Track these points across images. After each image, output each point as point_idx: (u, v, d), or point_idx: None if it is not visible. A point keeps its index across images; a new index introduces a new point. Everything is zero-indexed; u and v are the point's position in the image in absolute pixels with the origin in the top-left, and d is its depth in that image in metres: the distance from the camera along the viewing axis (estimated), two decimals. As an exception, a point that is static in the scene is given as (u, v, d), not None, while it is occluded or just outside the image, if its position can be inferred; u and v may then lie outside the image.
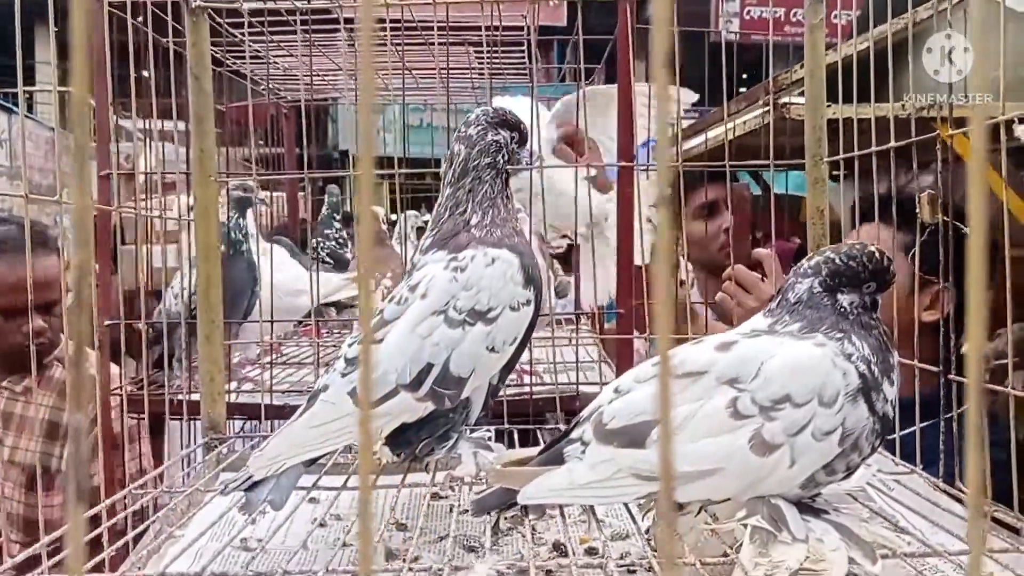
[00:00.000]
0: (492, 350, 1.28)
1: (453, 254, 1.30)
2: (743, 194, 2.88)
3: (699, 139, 2.83)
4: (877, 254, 1.10)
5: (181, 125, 1.67)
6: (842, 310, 1.07)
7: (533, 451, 1.21)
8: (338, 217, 3.44)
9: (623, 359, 1.72)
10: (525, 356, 1.51)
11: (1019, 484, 1.16)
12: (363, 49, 0.32)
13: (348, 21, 1.79)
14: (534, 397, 1.77)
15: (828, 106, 1.68)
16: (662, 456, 0.29)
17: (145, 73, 1.81)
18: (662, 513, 0.34)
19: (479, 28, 1.93)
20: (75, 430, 0.30)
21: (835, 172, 2.00)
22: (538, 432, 1.68)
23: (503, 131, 1.37)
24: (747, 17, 10.37)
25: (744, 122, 2.38)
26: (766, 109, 2.14)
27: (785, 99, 2.07)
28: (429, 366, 1.26)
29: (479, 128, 1.37)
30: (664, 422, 0.31)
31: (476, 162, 1.35)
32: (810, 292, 1.09)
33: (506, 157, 1.37)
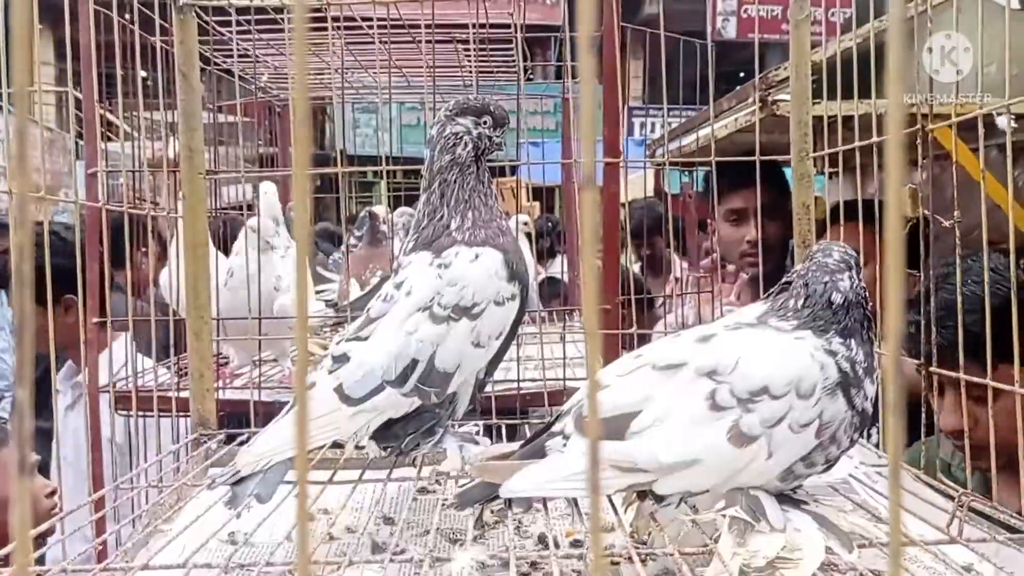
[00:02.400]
0: (477, 345, 1.28)
1: (437, 252, 1.30)
2: (689, 193, 2.92)
3: (686, 139, 2.85)
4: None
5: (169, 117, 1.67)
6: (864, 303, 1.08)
7: (517, 446, 1.22)
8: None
9: (609, 354, 1.72)
10: (513, 352, 1.52)
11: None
12: (297, 45, 0.33)
13: (337, 20, 1.79)
14: (522, 392, 1.78)
15: (816, 102, 1.69)
16: (591, 423, 0.30)
17: (143, 73, 1.82)
18: (591, 485, 0.34)
19: (467, 26, 1.93)
20: (20, 405, 0.31)
21: (831, 169, 2.01)
22: (526, 427, 1.69)
23: (463, 119, 1.32)
24: (744, 16, 10.37)
25: (736, 119, 2.39)
26: (757, 106, 2.15)
27: (776, 96, 2.08)
28: (414, 362, 1.26)
29: (439, 126, 1.32)
30: (592, 398, 0.32)
31: (438, 163, 1.31)
32: (852, 286, 1.08)
33: (469, 146, 1.31)
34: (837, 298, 1.08)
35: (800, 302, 1.09)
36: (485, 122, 1.32)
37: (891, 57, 0.28)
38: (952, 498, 1.16)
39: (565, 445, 1.08)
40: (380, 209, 3.35)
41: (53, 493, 1.93)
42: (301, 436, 0.33)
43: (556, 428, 1.11)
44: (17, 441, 0.30)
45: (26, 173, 0.30)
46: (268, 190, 2.43)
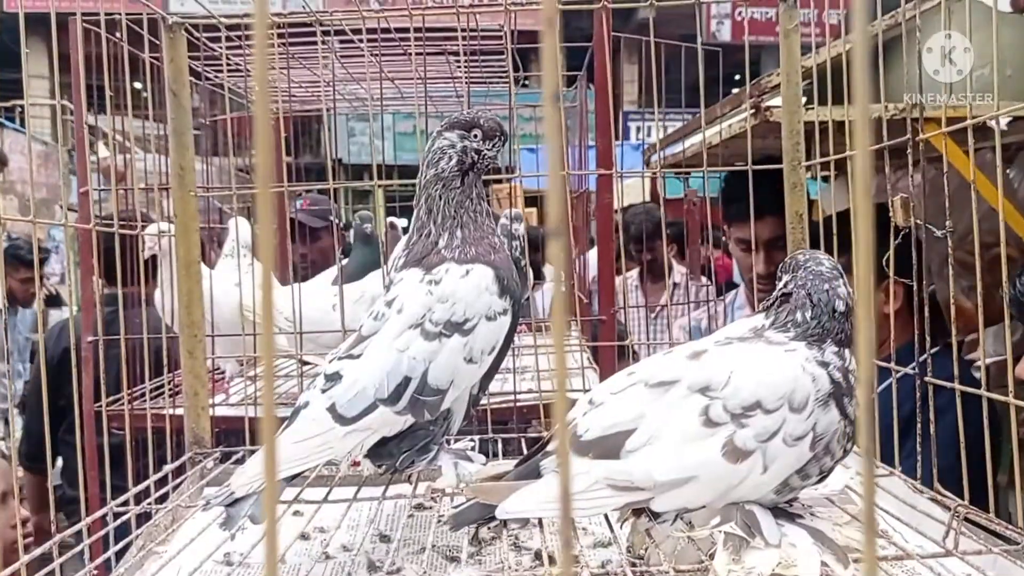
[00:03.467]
0: (470, 361, 1.27)
1: (427, 269, 1.30)
2: (693, 201, 2.92)
3: (686, 142, 2.85)
4: None
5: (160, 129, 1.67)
6: None
7: (511, 465, 1.21)
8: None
9: (606, 365, 1.72)
10: (508, 362, 1.51)
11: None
12: (258, 58, 0.32)
13: (327, 34, 1.79)
14: (519, 404, 1.77)
15: (810, 108, 1.68)
16: (560, 448, 0.30)
17: (137, 85, 1.81)
18: (562, 522, 0.34)
19: (457, 36, 1.93)
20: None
21: (825, 173, 2.00)
22: (522, 440, 1.68)
23: (450, 134, 1.30)
24: (739, 18, 10.38)
25: (729, 125, 2.38)
26: (749, 112, 2.15)
27: (768, 102, 2.08)
28: (407, 379, 1.25)
29: (429, 142, 1.31)
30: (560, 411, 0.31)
31: (424, 178, 1.31)
32: (848, 293, 1.08)
33: (452, 160, 1.29)
34: (840, 305, 1.08)
35: (808, 314, 1.08)
36: (474, 135, 1.30)
37: (855, 82, 0.28)
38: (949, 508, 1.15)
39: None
40: (400, 221, 3.36)
41: (27, 522, 1.92)
42: (270, 481, 0.33)
43: (550, 447, 1.11)
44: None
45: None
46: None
